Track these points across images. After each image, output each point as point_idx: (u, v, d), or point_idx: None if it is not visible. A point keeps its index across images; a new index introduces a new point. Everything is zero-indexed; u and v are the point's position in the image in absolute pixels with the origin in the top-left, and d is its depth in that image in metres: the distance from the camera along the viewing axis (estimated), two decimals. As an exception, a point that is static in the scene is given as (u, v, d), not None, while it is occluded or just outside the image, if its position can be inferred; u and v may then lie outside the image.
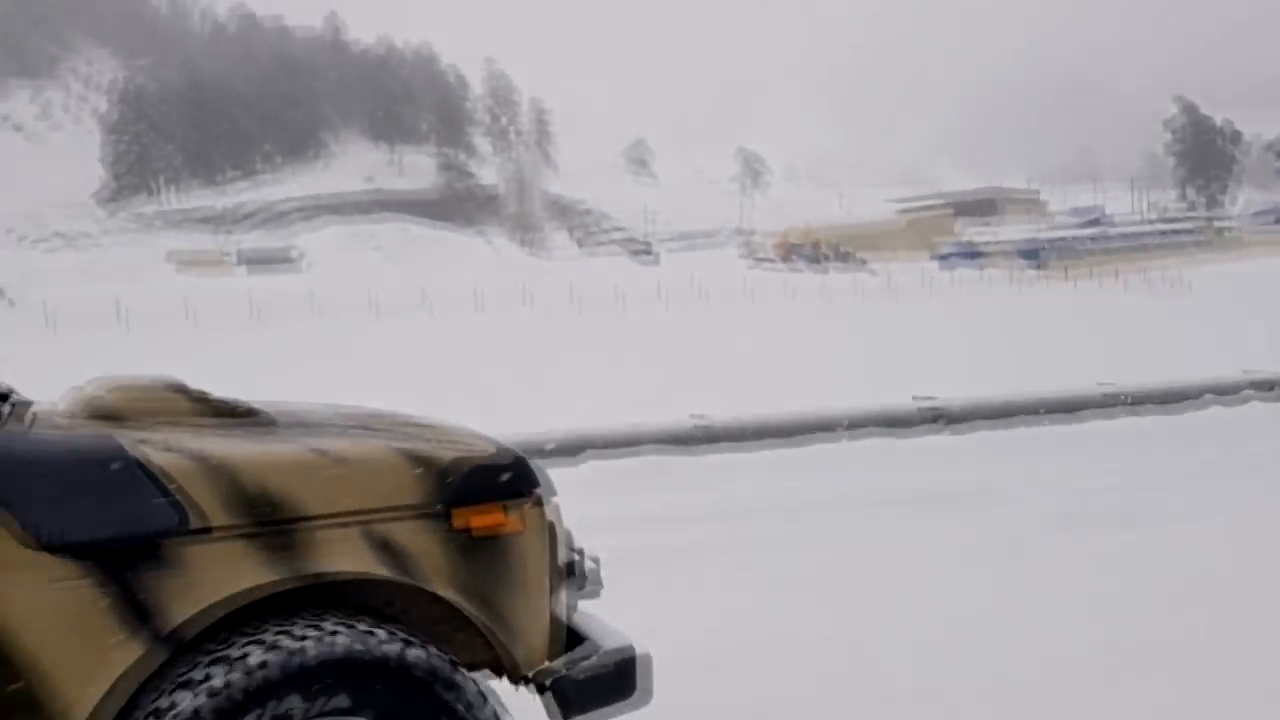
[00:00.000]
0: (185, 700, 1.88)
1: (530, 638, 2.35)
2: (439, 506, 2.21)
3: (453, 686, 2.09)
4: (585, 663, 2.38)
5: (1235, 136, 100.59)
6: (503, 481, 2.32)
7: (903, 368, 15.71)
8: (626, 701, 2.41)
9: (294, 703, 1.95)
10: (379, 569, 2.11)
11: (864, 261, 70.69)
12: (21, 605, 1.83)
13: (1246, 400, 10.23)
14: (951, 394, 9.15)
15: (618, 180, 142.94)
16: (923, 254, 74.85)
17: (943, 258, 71.80)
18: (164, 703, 1.90)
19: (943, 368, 15.67)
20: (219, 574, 1.97)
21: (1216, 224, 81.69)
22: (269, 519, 2.03)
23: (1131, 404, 9.55)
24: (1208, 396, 10.13)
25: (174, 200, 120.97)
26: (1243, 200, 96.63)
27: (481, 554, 2.26)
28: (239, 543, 2.00)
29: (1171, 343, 21.69)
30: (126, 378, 2.31)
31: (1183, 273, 53.63)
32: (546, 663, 2.38)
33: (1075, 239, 73.83)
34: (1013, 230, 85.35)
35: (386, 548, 2.14)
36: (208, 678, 1.91)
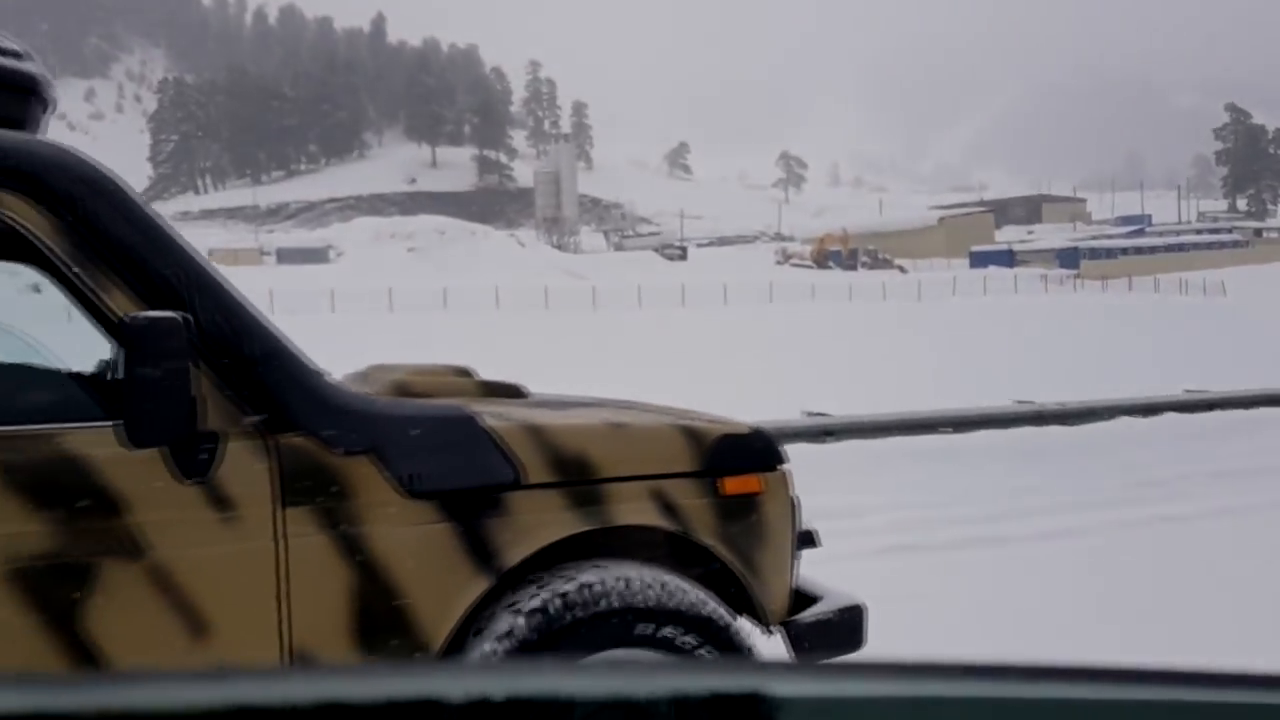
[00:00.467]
0: (512, 621, 2.29)
1: (776, 590, 2.72)
2: (707, 473, 2.61)
3: (728, 627, 2.48)
4: (826, 616, 2.77)
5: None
6: (756, 454, 2.73)
7: (825, 377, 14.90)
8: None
9: (602, 628, 2.33)
10: (663, 522, 2.53)
11: (899, 266, 69.97)
12: (396, 543, 2.23)
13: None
14: (862, 405, 8.89)
15: (657, 182, 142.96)
16: (960, 259, 73.91)
17: (977, 260, 70.86)
18: (499, 625, 2.30)
19: (881, 374, 15.14)
20: (542, 522, 2.38)
21: (1263, 231, 79.91)
22: (578, 478, 2.44)
23: (1039, 420, 9.20)
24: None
25: (217, 197, 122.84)
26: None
27: (739, 515, 2.65)
28: (556, 496, 2.41)
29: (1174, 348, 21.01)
30: (422, 365, 2.81)
31: (1220, 276, 52.48)
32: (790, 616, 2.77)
33: (1114, 245, 72.53)
34: (1053, 236, 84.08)
35: (667, 505, 2.54)
36: (535, 603, 2.30)
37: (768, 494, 2.70)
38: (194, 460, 2.06)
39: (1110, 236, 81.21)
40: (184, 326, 1.97)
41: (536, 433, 2.42)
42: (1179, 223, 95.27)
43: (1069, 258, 66.67)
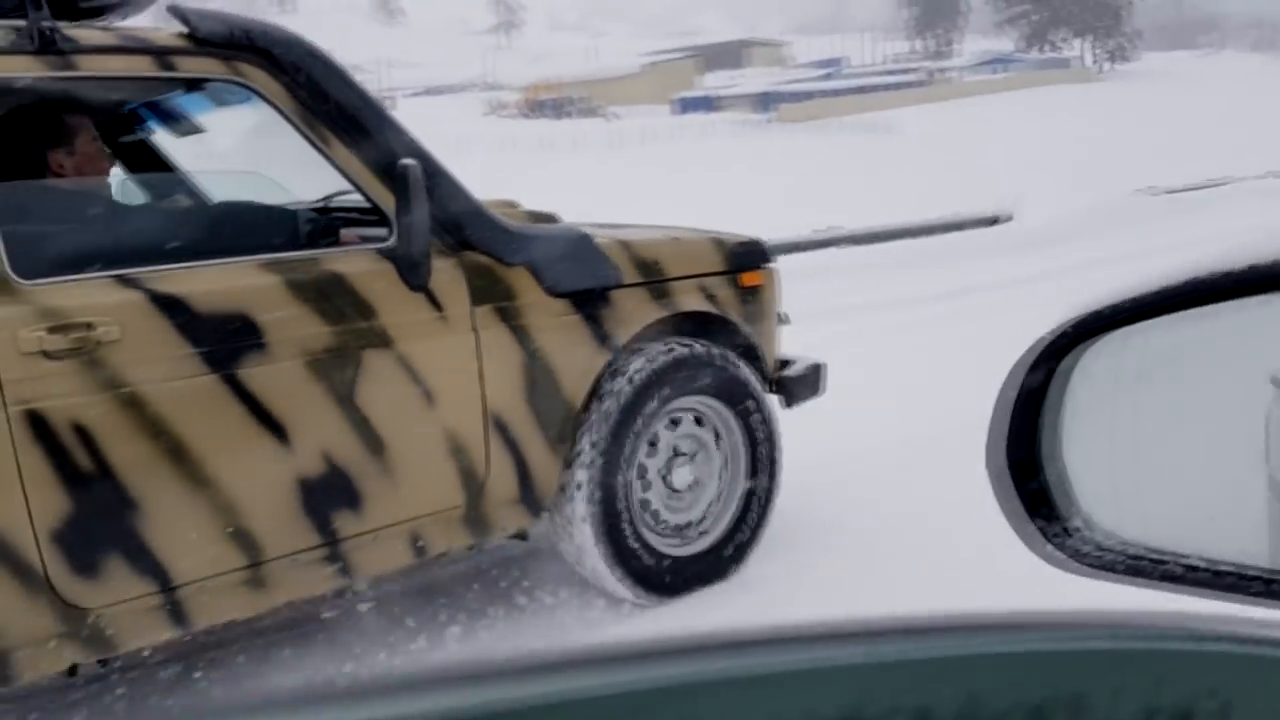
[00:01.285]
0: (620, 382, 3.13)
1: (770, 356, 3.66)
2: (731, 271, 3.48)
3: (757, 393, 3.49)
4: (801, 372, 3.75)
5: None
6: (758, 255, 3.62)
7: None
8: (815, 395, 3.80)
9: (680, 380, 3.23)
10: (711, 308, 3.40)
11: (610, 113, 70.07)
12: (547, 330, 3.00)
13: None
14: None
15: (368, 28, 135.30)
16: (665, 105, 74.87)
17: (681, 107, 72.04)
18: (608, 385, 3.13)
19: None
20: (637, 311, 3.21)
21: (941, 71, 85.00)
22: (655, 278, 3.26)
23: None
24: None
25: None
26: (970, 50, 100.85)
27: (751, 300, 3.55)
28: (643, 292, 3.23)
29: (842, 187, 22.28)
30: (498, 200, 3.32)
31: (902, 116, 55.54)
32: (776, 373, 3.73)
33: (808, 88, 75.32)
34: (756, 80, 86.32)
35: (710, 296, 3.41)
36: (638, 364, 3.17)
37: (765, 285, 3.61)
38: (419, 275, 2.72)
39: (804, 80, 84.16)
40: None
41: (627, 246, 3.23)
42: (869, 65, 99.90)
43: (764, 102, 68.71)
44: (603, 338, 3.14)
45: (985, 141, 36.55)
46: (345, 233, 2.87)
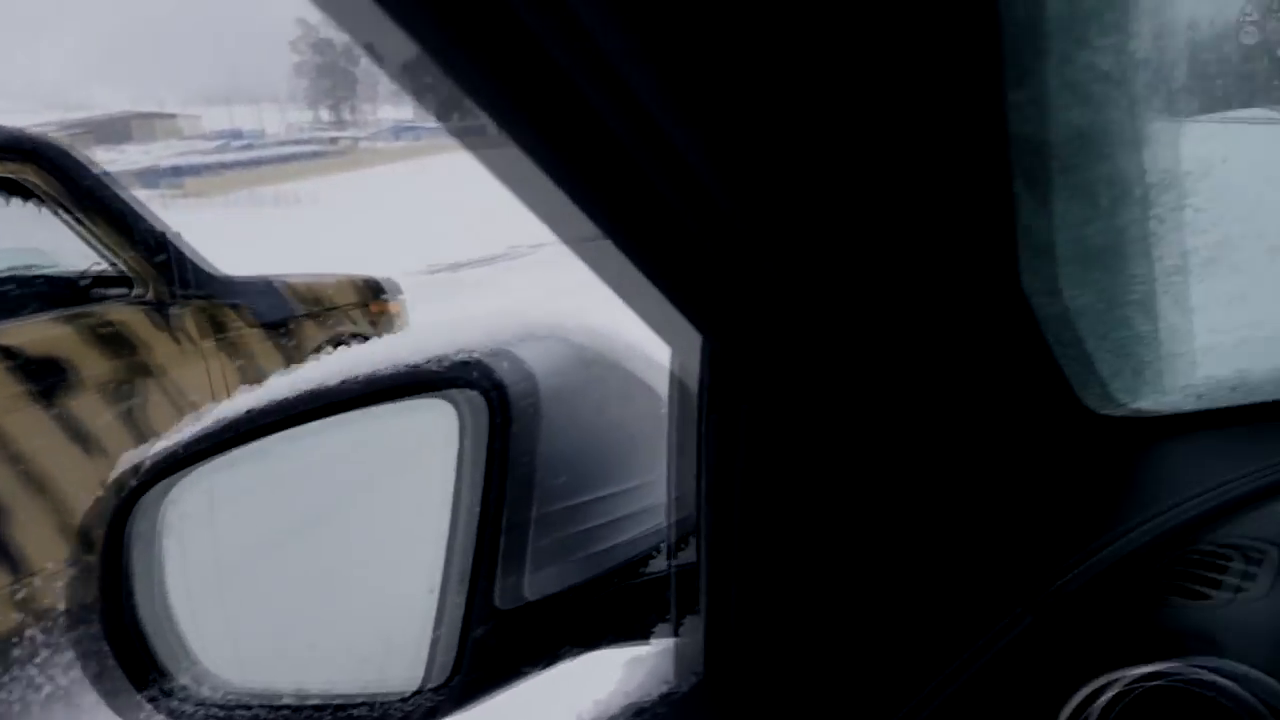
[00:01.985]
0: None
1: None
2: (365, 302, 4.54)
3: None
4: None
5: (355, 58, 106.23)
6: (379, 289, 4.71)
7: None
8: None
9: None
10: (355, 329, 4.42)
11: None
12: (252, 353, 4.02)
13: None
14: None
15: None
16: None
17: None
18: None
19: None
20: (310, 335, 4.30)
21: (353, 140, 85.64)
22: (316, 309, 4.29)
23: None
24: None
25: None
26: (382, 118, 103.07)
27: (383, 322, 4.58)
28: (310, 321, 4.30)
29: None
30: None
31: (314, 185, 54.66)
32: None
33: (210, 161, 72.00)
34: (158, 152, 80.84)
35: (354, 321, 4.46)
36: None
37: (392, 312, 4.69)
38: (165, 318, 3.60)
39: (208, 151, 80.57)
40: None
41: (295, 288, 4.20)
42: (275, 135, 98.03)
43: (153, 178, 64.51)
44: (289, 355, 4.03)
45: (395, 207, 36.81)
46: (109, 291, 3.67)
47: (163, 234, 3.62)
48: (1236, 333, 0.84)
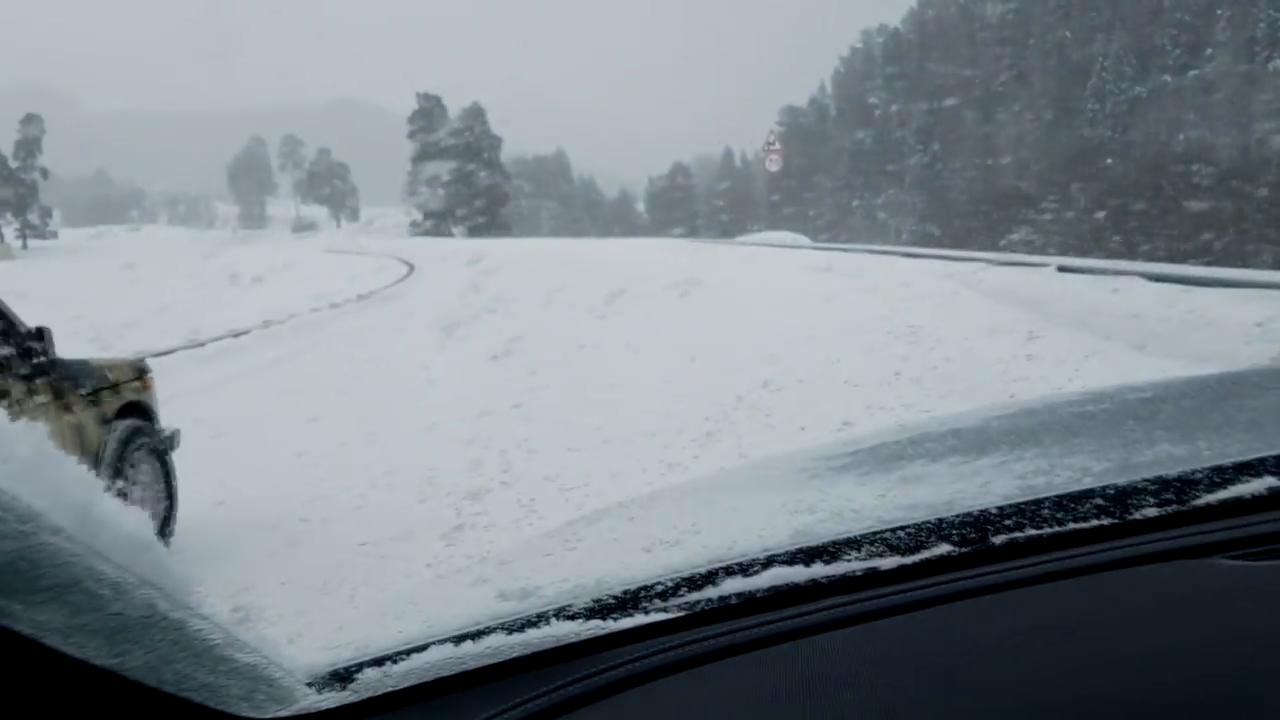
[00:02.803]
0: (112, 438, 5.66)
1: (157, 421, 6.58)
2: (138, 377, 6.08)
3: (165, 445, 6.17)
4: (170, 432, 6.21)
5: None
6: (145, 368, 6.24)
7: None
8: None
9: (138, 437, 5.87)
10: (136, 398, 6.00)
11: None
12: (80, 413, 5.39)
13: None
14: None
15: None
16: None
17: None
18: (109, 438, 5.74)
19: None
20: (110, 401, 5.70)
21: None
22: (110, 384, 5.69)
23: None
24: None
25: None
26: None
27: (147, 392, 6.17)
28: (109, 391, 5.70)
29: None
30: None
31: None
32: None
33: None
34: None
35: (135, 390, 6.02)
36: (116, 431, 5.74)
37: (152, 384, 6.21)
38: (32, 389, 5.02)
39: None
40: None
41: (98, 366, 5.70)
42: None
43: None
44: (102, 416, 5.47)
45: None
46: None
47: (39, 329, 5.20)
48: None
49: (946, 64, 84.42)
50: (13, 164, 76.86)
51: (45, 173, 79.78)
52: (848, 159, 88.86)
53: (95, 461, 5.20)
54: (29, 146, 77.45)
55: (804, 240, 40.35)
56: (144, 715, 0.71)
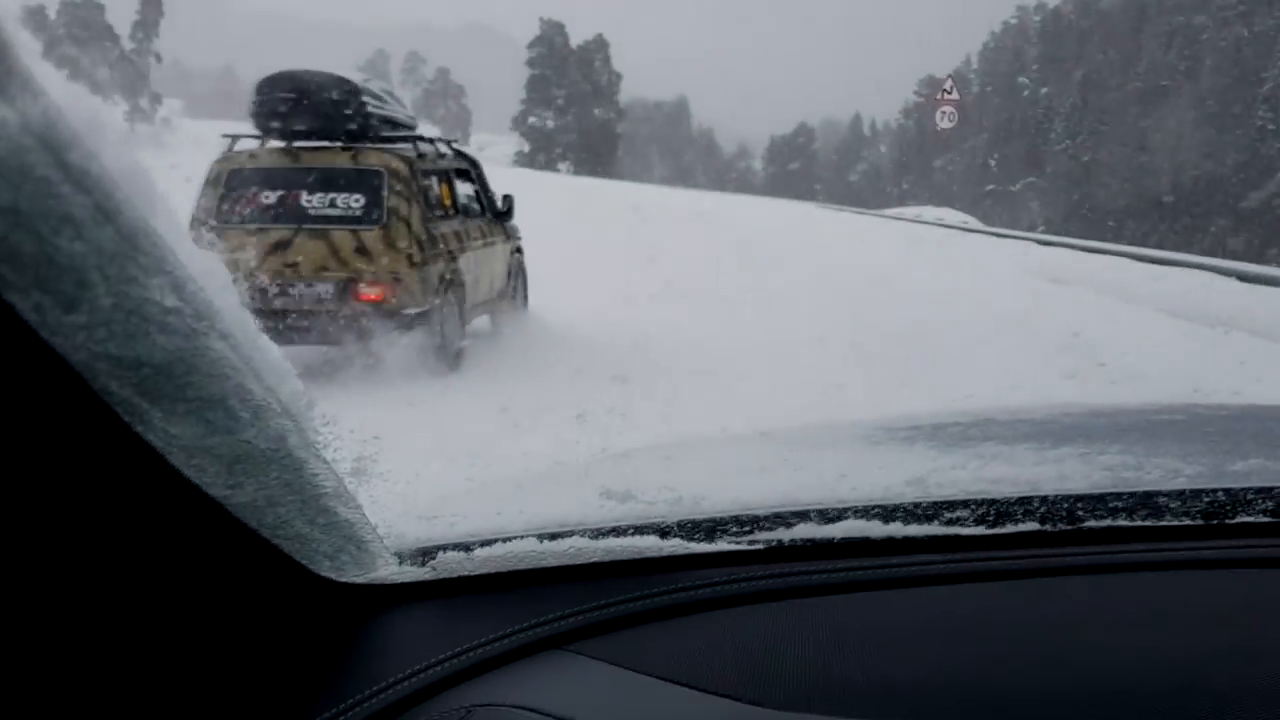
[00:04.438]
0: None
1: None
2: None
3: None
4: None
5: None
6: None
7: None
8: None
9: None
10: None
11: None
12: None
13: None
14: None
15: None
16: None
17: None
18: None
19: None
20: None
21: None
22: None
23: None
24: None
25: None
26: None
27: None
28: None
29: None
30: None
31: None
32: None
33: None
34: None
35: None
36: None
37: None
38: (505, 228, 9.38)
39: None
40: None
41: (512, 225, 9.74)
42: None
43: None
44: (515, 248, 9.77)
45: None
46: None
47: (506, 195, 9.14)
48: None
49: (1107, 51, 78.22)
50: (128, 45, 75.80)
51: (159, 57, 78.77)
52: (986, 140, 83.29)
53: (508, 272, 9.18)
54: (146, 29, 76.25)
55: (972, 222, 33.31)
56: (232, 555, 0.72)
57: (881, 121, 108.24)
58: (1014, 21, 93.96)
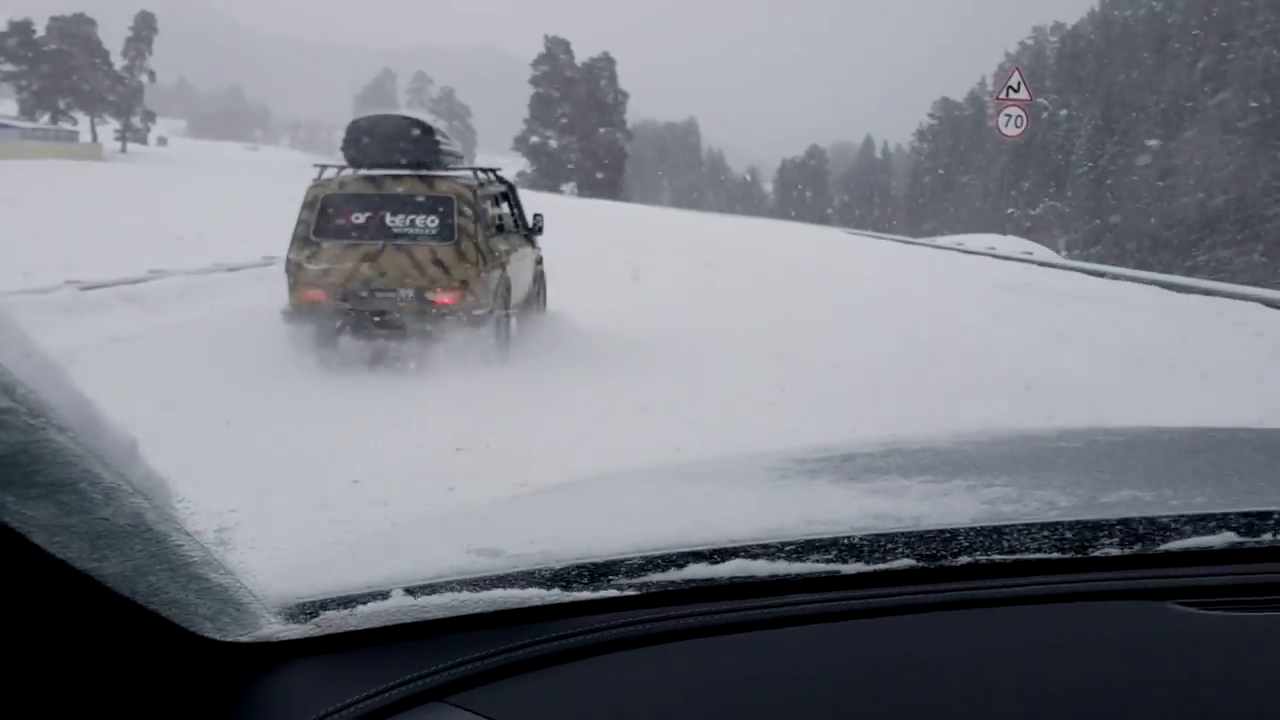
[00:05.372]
0: None
1: None
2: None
3: None
4: None
5: None
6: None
7: None
8: None
9: None
10: None
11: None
12: None
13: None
14: None
15: None
16: None
17: None
18: None
19: None
20: None
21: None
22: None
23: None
24: None
25: None
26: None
27: None
28: None
29: None
30: None
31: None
32: None
33: None
34: None
35: None
36: None
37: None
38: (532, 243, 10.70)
39: None
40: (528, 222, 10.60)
41: (536, 241, 11.11)
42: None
43: None
44: (539, 259, 11.13)
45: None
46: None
47: (537, 214, 10.61)
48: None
49: (1129, 72, 75.79)
50: (120, 62, 73.72)
51: (153, 75, 76.82)
52: (1005, 163, 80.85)
53: (535, 278, 10.58)
54: (139, 46, 74.29)
55: (1048, 254, 27.16)
56: (112, 623, 0.74)
57: (894, 144, 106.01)
58: (1030, 43, 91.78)
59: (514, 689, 0.83)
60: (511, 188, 10.31)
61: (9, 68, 69.85)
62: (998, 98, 25.82)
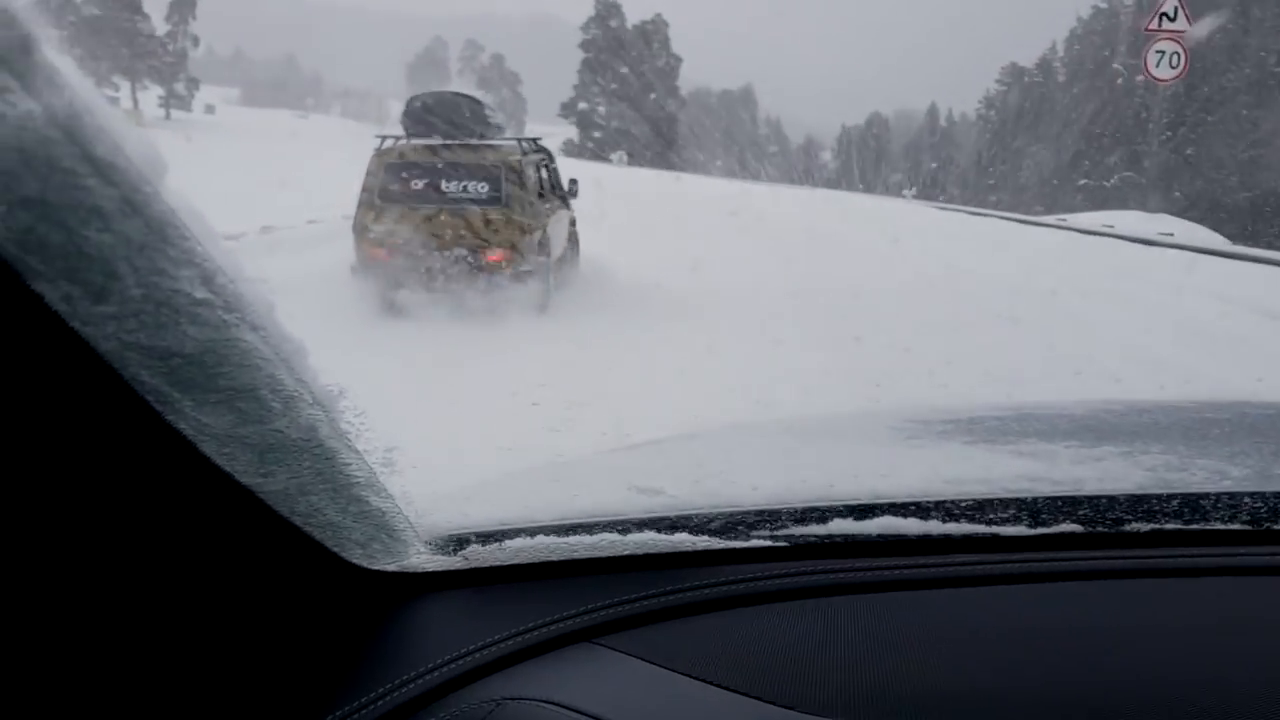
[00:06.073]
0: None
1: None
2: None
3: None
4: None
5: None
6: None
7: None
8: None
9: None
10: None
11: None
12: None
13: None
14: None
15: None
16: None
17: None
18: None
19: None
20: None
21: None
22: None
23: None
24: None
25: None
26: None
27: None
28: None
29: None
30: None
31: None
32: None
33: None
34: None
35: None
36: None
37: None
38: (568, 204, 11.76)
39: None
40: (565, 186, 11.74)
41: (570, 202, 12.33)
42: None
43: None
44: (572, 219, 12.17)
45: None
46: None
47: (573, 179, 11.81)
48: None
49: (1212, 35, 71.63)
50: (163, 28, 72.51)
51: (197, 41, 75.66)
52: (1076, 131, 76.98)
53: (569, 237, 11.37)
54: (183, 10, 73.01)
55: (1212, 237, 21.01)
56: (264, 543, 0.73)
57: (959, 113, 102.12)
58: (1104, 5, 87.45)
59: (661, 635, 0.81)
60: (550, 155, 11.30)
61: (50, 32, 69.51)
62: (1146, 28, 18.59)
